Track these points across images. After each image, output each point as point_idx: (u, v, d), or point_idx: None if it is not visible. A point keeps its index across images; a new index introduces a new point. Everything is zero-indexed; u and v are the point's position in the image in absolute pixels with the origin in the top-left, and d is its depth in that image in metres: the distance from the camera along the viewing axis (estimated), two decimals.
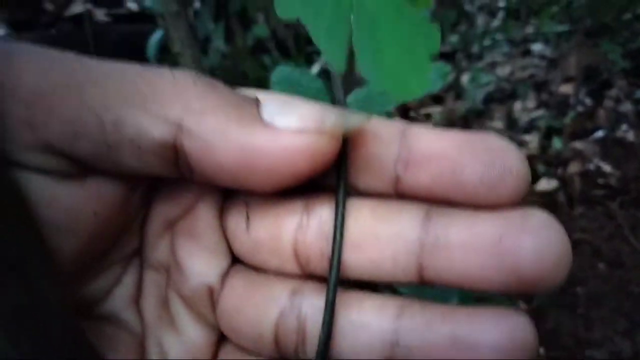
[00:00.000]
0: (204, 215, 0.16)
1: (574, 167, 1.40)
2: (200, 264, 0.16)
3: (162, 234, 0.16)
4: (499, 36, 1.94)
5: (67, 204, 0.14)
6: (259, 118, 0.14)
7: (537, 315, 1.18)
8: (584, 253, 1.30)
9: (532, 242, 0.13)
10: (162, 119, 0.13)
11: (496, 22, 2.02)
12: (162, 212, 0.16)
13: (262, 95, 0.14)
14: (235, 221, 0.16)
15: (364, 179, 0.15)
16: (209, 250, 0.16)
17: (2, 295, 0.11)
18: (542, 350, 1.11)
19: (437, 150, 0.14)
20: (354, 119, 0.14)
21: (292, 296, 0.15)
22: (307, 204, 0.15)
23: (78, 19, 1.92)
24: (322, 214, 0.15)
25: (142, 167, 0.14)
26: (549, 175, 1.40)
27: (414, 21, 0.11)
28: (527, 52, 1.95)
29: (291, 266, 0.15)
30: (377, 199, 0.15)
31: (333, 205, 0.14)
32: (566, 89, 1.64)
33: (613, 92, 1.63)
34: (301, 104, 0.14)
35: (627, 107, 1.59)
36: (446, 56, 2.04)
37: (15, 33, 1.82)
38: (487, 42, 1.94)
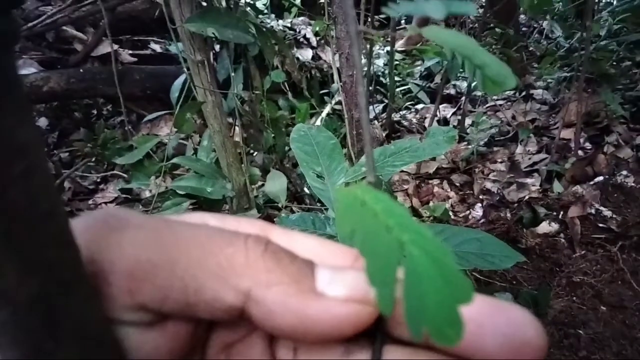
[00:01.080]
0: (257, 342, 0.19)
1: (574, 211, 1.44)
2: None
3: (220, 353, 0.19)
4: None
5: (151, 347, 0.17)
6: (313, 289, 0.16)
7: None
8: (585, 295, 1.33)
9: None
10: (235, 288, 0.16)
11: None
12: (222, 336, 0.19)
13: (319, 250, 0.17)
14: (285, 352, 0.18)
15: (399, 330, 0.16)
16: None
17: None
18: None
19: (466, 315, 0.15)
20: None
21: None
22: (348, 347, 0.17)
23: (105, 58, 2.04)
24: (360, 357, 0.17)
25: (212, 318, 0.17)
26: (550, 218, 1.45)
27: (451, 275, 0.13)
28: (529, 97, 2.02)
29: None
30: (410, 348, 0.17)
31: (370, 351, 0.17)
32: (567, 134, 1.70)
33: (613, 137, 1.69)
34: (350, 273, 0.16)
35: (627, 152, 1.64)
36: (449, 100, 2.13)
37: (46, 71, 1.93)
38: None
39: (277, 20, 2.26)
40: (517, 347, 0.15)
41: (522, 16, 2.54)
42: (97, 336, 0.14)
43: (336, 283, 0.16)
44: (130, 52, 2.08)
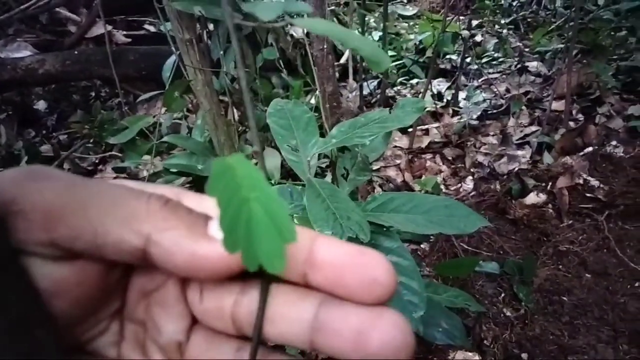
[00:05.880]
0: (172, 289, 0.22)
1: (563, 182, 1.46)
2: (170, 324, 0.21)
3: (140, 300, 0.22)
4: (496, 54, 2.01)
5: (59, 277, 0.19)
6: (205, 234, 0.19)
7: (523, 322, 1.24)
8: (570, 264, 1.36)
9: (378, 336, 0.18)
10: (137, 232, 0.19)
11: (493, 41, 2.09)
12: (139, 284, 0.22)
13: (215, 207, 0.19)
14: (193, 294, 0.21)
15: (286, 272, 0.19)
16: (176, 314, 0.22)
17: (9, 340, 0.17)
18: (525, 356, 1.17)
19: (332, 259, 0.19)
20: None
21: (236, 352, 0.21)
22: (242, 286, 0.20)
23: (99, 39, 2.05)
24: (251, 295, 0.20)
25: (120, 259, 0.20)
26: (539, 189, 1.47)
27: (281, 223, 0.16)
28: (523, 70, 2.02)
29: (230, 329, 0.21)
30: (291, 287, 0.20)
31: (259, 289, 0.20)
32: (559, 105, 1.71)
33: (604, 108, 1.69)
34: None
35: (617, 123, 1.65)
36: (445, 74, 2.12)
37: (41, 53, 1.96)
38: (485, 59, 2.00)
39: None
40: (369, 284, 0.18)
41: None
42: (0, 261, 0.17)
43: None
44: (125, 32, 2.09)
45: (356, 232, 0.55)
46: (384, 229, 0.65)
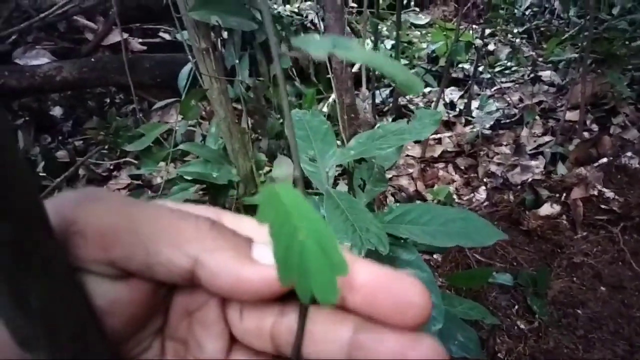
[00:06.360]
0: (213, 309, 0.22)
1: (577, 193, 1.45)
2: (210, 343, 0.22)
3: (182, 319, 0.23)
4: (509, 63, 2.01)
5: (114, 296, 0.20)
6: (249, 256, 0.20)
7: (537, 334, 1.23)
8: (585, 276, 1.35)
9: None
10: (185, 253, 0.20)
11: (506, 50, 2.09)
12: (182, 304, 0.23)
13: (261, 231, 0.20)
14: (233, 313, 0.22)
15: None
16: (216, 333, 0.22)
17: (70, 354, 0.18)
18: None
19: (369, 282, 0.19)
20: None
21: None
22: (282, 306, 0.21)
23: (115, 47, 2.08)
24: (291, 315, 0.21)
25: (168, 279, 0.21)
26: (553, 200, 1.46)
27: (332, 254, 0.16)
28: (536, 79, 2.01)
29: (269, 348, 0.21)
30: (329, 309, 0.20)
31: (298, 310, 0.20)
32: (573, 116, 1.70)
33: (619, 119, 1.68)
34: None
35: (633, 133, 1.63)
36: (457, 83, 2.12)
37: (58, 60, 1.99)
38: (498, 68, 2.00)
39: (285, 6, 2.27)
40: (404, 307, 0.19)
41: None
42: (62, 276, 0.18)
43: (268, 254, 0.19)
44: (140, 40, 2.12)
45: (375, 245, 0.56)
46: (401, 240, 0.65)
